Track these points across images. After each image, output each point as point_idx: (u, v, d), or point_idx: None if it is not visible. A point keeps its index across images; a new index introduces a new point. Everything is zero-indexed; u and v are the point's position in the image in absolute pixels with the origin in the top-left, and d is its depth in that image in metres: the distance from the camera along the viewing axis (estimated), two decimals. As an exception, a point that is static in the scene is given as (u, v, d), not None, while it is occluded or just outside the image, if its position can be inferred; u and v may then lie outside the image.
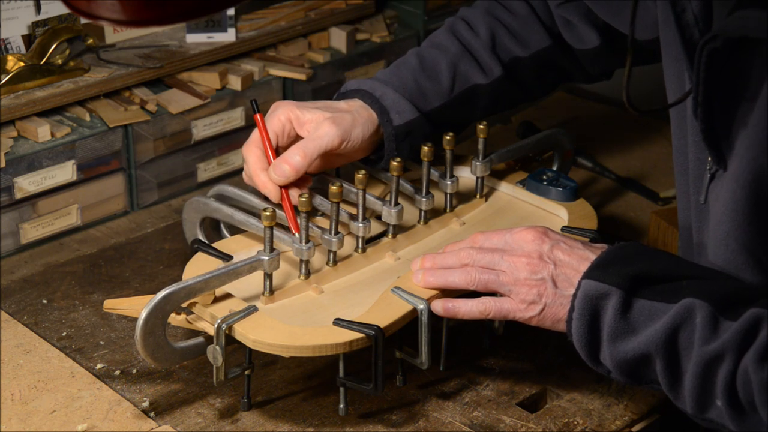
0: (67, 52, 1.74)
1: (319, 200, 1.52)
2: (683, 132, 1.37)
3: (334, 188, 1.44)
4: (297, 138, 1.54)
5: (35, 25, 1.75)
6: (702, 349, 1.22)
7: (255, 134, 1.53)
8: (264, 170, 1.50)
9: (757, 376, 1.19)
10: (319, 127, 1.51)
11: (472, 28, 1.66)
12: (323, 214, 1.54)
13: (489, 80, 1.64)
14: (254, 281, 1.43)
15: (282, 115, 1.53)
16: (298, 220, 1.44)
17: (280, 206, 1.49)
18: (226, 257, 1.47)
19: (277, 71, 1.91)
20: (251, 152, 1.52)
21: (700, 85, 1.24)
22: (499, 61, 1.65)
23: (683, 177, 1.39)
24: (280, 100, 1.90)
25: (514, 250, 1.37)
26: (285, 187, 1.50)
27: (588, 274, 1.30)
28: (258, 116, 1.52)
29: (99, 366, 1.49)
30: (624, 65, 1.65)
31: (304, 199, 1.41)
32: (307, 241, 1.44)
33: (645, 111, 1.31)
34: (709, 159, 1.30)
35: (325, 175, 1.59)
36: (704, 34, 1.26)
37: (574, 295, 1.31)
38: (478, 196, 1.64)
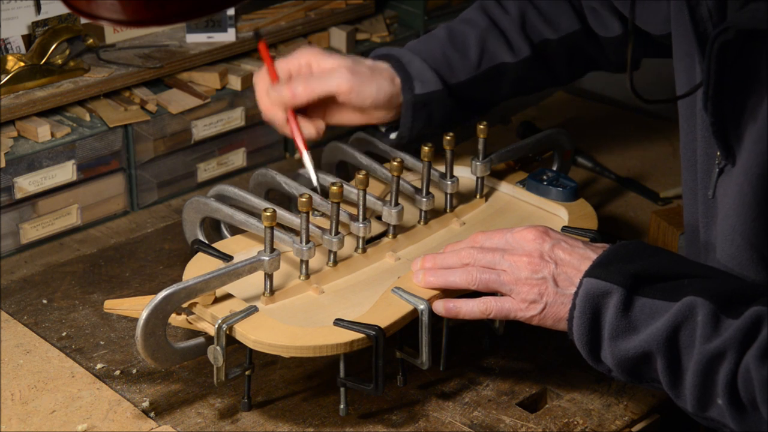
0: (67, 52, 1.74)
1: (319, 200, 1.52)
2: (692, 127, 1.37)
3: (334, 188, 1.44)
4: None
5: (35, 25, 1.75)
6: (703, 347, 1.22)
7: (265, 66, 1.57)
8: (267, 93, 1.54)
9: (758, 373, 1.18)
10: (334, 71, 1.54)
11: (503, 6, 1.68)
12: (323, 215, 1.54)
13: (517, 59, 1.65)
14: (254, 281, 1.43)
15: (302, 59, 1.57)
16: (304, 153, 1.51)
17: (280, 206, 1.49)
18: (227, 257, 1.47)
19: (277, 71, 1.91)
20: (260, 78, 1.56)
21: (711, 77, 1.24)
22: (529, 41, 1.66)
23: (690, 173, 1.39)
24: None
25: (514, 250, 1.37)
26: (294, 114, 1.53)
27: (589, 273, 1.30)
28: (261, 43, 1.55)
29: (99, 366, 1.49)
30: (645, 56, 1.66)
31: (304, 200, 1.41)
32: (308, 242, 1.44)
33: (652, 101, 1.31)
34: (718, 153, 1.30)
35: (325, 175, 1.59)
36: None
37: (576, 294, 1.30)
38: (478, 196, 1.64)
